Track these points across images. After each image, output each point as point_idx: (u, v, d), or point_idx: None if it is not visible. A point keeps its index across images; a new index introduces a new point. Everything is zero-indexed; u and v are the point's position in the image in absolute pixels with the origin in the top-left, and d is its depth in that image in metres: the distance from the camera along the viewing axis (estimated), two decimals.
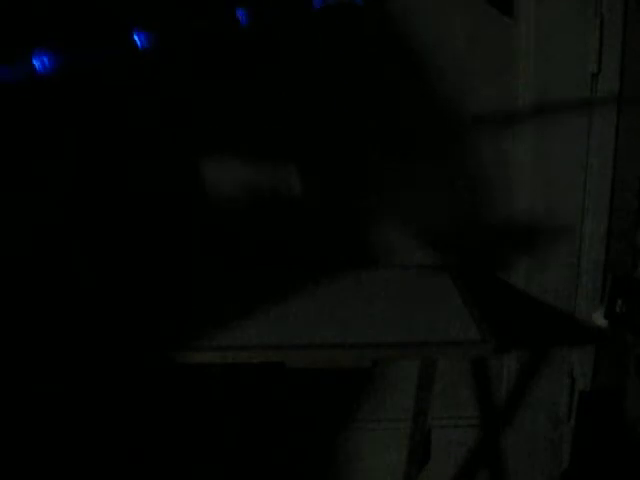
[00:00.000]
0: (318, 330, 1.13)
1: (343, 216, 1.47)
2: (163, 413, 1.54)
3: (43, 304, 1.31)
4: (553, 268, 1.49)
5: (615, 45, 1.35)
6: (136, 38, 0.92)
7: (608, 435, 1.52)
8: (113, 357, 1.47)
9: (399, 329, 1.14)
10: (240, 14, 1.05)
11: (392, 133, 1.42)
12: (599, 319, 1.36)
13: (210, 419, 1.55)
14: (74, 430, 1.49)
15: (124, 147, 1.38)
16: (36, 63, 0.90)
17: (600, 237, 1.46)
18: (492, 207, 1.47)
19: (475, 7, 1.34)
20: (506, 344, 1.54)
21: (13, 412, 1.38)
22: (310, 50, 1.35)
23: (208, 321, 1.18)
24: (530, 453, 1.65)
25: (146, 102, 1.35)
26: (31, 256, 1.34)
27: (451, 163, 1.44)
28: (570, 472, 1.61)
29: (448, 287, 1.32)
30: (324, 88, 1.37)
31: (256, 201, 1.44)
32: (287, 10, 1.20)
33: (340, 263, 1.46)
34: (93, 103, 1.34)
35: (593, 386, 1.57)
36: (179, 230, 1.44)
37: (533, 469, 1.66)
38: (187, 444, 1.58)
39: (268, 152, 1.42)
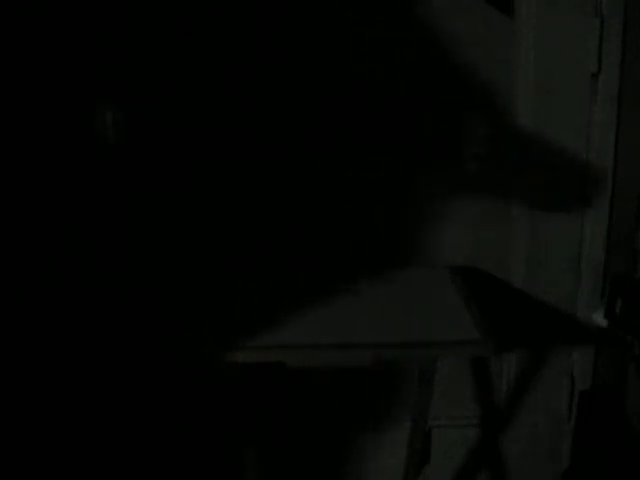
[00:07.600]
0: (318, 330, 1.13)
1: (341, 217, 1.47)
2: (162, 414, 1.54)
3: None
4: (553, 268, 1.49)
5: (615, 45, 1.35)
6: None
7: (608, 435, 1.52)
8: (118, 359, 1.47)
9: (399, 329, 1.14)
10: None
11: (392, 135, 1.42)
12: (599, 319, 1.36)
13: (211, 420, 1.55)
14: (74, 431, 1.49)
15: None
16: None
17: (600, 237, 1.46)
18: (491, 207, 1.48)
19: (475, 6, 1.34)
20: (506, 344, 1.54)
21: (15, 413, 1.38)
22: None
23: (207, 321, 1.18)
24: (530, 453, 1.64)
25: None
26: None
27: (449, 163, 1.44)
28: (570, 472, 1.61)
29: (448, 287, 1.32)
30: None
31: (259, 200, 1.44)
32: None
33: (339, 264, 1.46)
34: None
35: (593, 386, 1.57)
36: (181, 232, 1.44)
37: (533, 469, 1.66)
38: (188, 445, 1.58)
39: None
